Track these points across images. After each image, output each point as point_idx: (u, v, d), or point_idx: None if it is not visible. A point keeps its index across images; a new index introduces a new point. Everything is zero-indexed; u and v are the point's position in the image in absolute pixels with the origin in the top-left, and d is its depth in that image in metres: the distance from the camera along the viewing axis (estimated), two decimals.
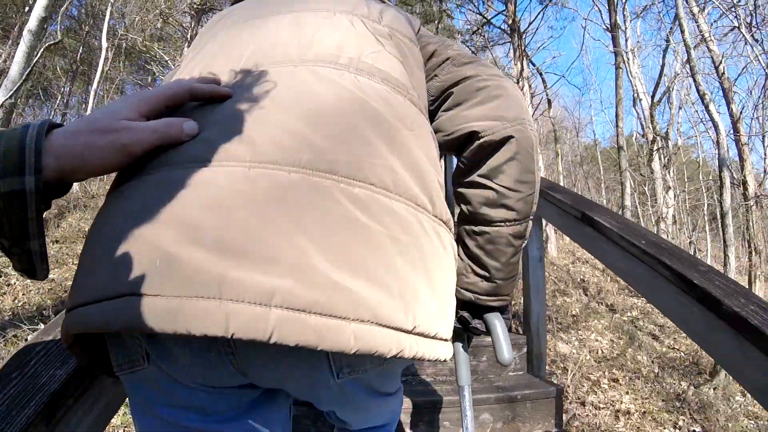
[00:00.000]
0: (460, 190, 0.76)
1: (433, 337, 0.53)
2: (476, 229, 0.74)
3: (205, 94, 0.56)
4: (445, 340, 0.57)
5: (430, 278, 0.54)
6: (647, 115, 12.75)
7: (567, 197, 1.84)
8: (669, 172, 13.99)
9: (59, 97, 17.08)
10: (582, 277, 7.63)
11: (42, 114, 17.83)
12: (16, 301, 4.67)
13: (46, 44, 5.59)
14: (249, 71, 0.60)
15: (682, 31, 8.22)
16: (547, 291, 2.59)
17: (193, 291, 0.42)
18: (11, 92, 4.58)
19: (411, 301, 0.50)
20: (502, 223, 0.71)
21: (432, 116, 0.77)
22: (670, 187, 12.89)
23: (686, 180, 18.50)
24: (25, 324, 3.94)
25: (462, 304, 0.80)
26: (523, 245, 0.76)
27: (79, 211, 6.99)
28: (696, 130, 17.97)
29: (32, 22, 5.14)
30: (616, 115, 10.88)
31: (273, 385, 0.57)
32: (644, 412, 3.73)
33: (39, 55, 5.37)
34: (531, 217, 0.73)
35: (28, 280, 4.92)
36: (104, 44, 9.56)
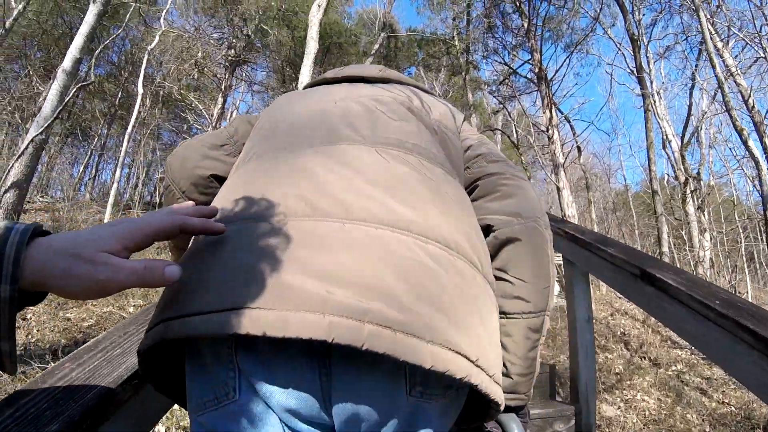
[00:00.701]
0: None
1: (491, 377, 0.58)
2: None
3: (196, 229, 0.56)
4: (499, 385, 0.61)
5: (485, 326, 0.61)
6: (678, 157, 12.51)
7: (621, 251, 1.67)
8: (704, 214, 13.53)
9: (96, 139, 17.87)
10: (622, 330, 7.23)
11: (80, 153, 18.66)
12: (30, 337, 4.64)
13: (80, 84, 5.81)
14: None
15: (713, 66, 8.09)
16: None
17: (302, 306, 0.51)
18: (42, 128, 4.72)
19: (474, 339, 0.57)
20: (518, 316, 0.75)
21: None
22: (705, 230, 12.42)
23: (723, 221, 17.83)
24: (34, 362, 3.90)
25: None
26: (540, 341, 0.78)
27: None
28: (728, 167, 17.52)
29: (67, 62, 5.36)
30: (648, 159, 10.67)
31: (349, 417, 0.58)
32: None
33: (72, 94, 5.57)
34: (546, 312, 0.77)
35: (44, 317, 4.91)
36: (140, 90, 9.97)
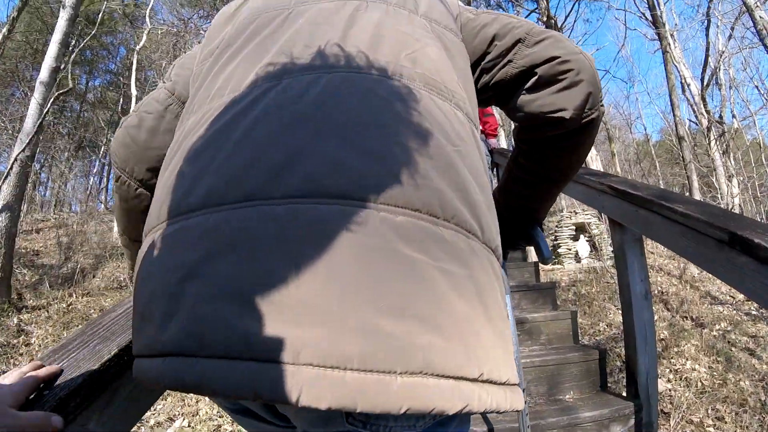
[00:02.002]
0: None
1: (504, 384, 0.46)
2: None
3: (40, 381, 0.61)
4: (516, 385, 0.49)
5: (489, 316, 0.47)
6: (698, 101, 11.90)
7: (697, 209, 1.30)
8: (730, 159, 12.93)
9: (103, 148, 17.90)
10: (659, 288, 6.82)
11: (89, 165, 18.91)
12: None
13: (58, 93, 5.57)
14: (273, 86, 0.54)
15: None
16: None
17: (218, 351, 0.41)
18: (24, 145, 4.49)
19: (472, 342, 0.44)
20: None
21: (505, 94, 0.74)
22: (732, 175, 11.83)
23: (753, 164, 17.07)
24: None
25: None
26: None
27: (116, 260, 6.89)
28: (750, 110, 16.70)
29: (43, 73, 5.12)
30: (671, 103, 10.00)
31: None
32: None
33: (51, 104, 5.33)
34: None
35: (49, 338, 4.76)
36: (134, 92, 9.69)
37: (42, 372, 0.62)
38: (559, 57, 0.66)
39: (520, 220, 0.92)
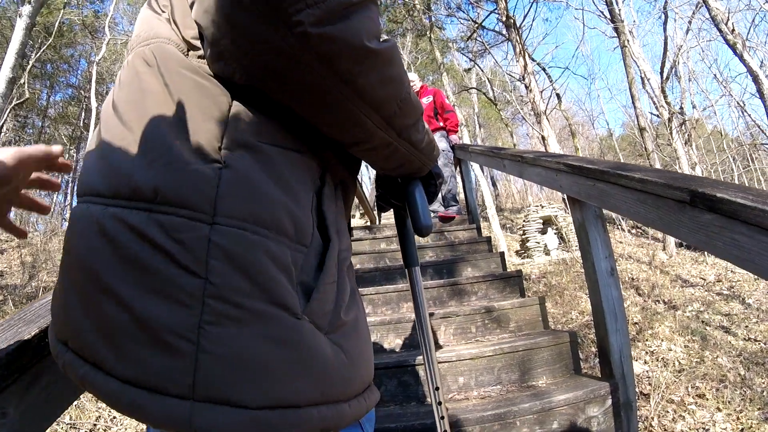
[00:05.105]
0: None
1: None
2: None
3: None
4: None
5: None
6: (658, 94, 12.24)
7: (655, 175, 1.26)
8: (692, 148, 13.31)
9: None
10: (630, 275, 6.91)
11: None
12: None
13: (13, 103, 5.32)
14: None
15: None
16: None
17: None
18: None
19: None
20: None
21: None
22: (696, 164, 12.18)
23: (715, 152, 17.68)
24: None
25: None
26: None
27: None
28: (710, 99, 17.31)
29: (0, 85, 4.87)
30: (632, 96, 10.25)
31: None
32: (742, 430, 3.09)
33: (7, 114, 5.08)
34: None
35: None
36: (93, 104, 9.36)
37: None
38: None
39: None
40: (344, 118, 0.53)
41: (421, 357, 1.85)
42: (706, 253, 8.39)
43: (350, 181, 0.68)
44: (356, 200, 8.52)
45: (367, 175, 18.77)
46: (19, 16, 6.67)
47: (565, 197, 1.99)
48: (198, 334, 0.43)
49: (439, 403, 0.84)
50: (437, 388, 0.82)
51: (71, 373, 0.48)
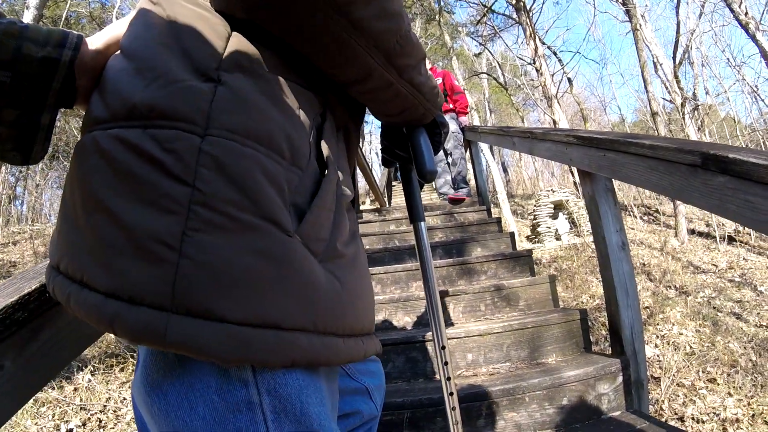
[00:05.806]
0: None
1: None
2: None
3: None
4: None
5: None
6: (671, 79, 12.01)
7: (666, 141, 1.23)
8: (705, 135, 13.10)
9: None
10: (641, 260, 6.83)
11: (64, 174, 18.59)
12: None
13: None
14: None
15: None
16: None
17: None
18: None
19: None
20: None
21: None
22: None
23: (729, 137, 17.37)
24: None
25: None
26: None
27: None
28: (723, 86, 16.97)
29: None
30: (644, 80, 10.05)
31: None
32: (753, 416, 3.06)
33: None
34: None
35: None
36: None
37: None
38: None
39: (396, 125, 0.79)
40: (341, 52, 0.53)
41: (429, 333, 1.84)
42: (717, 240, 8.27)
43: (353, 130, 0.67)
44: (366, 186, 8.46)
45: (377, 162, 18.71)
46: (27, 9, 6.71)
47: (576, 177, 1.94)
48: (181, 241, 0.42)
49: (448, 379, 0.82)
50: (443, 348, 0.80)
51: (59, 294, 0.47)
